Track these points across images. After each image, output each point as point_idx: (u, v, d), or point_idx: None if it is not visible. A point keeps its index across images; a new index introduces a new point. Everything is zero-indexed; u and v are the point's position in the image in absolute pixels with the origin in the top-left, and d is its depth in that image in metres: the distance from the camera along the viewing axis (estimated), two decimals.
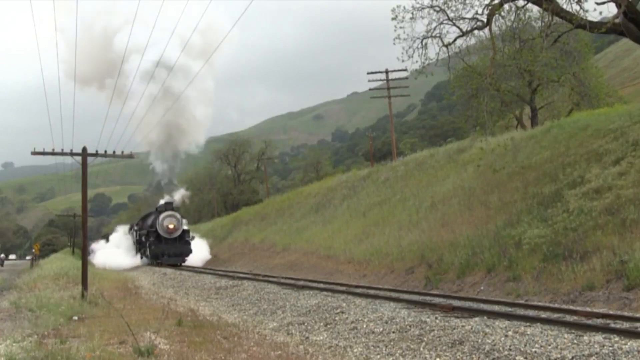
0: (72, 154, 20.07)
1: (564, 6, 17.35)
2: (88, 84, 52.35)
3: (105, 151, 21.06)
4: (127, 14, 49.38)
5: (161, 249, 40.49)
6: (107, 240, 65.94)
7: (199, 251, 44.67)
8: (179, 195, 51.60)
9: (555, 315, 10.88)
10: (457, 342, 9.01)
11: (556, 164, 19.89)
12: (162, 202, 47.00)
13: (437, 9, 19.54)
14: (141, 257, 46.67)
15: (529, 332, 8.98)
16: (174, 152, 47.70)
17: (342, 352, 9.62)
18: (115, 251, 53.88)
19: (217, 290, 20.47)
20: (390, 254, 21.77)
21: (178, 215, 42.25)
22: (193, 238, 43.26)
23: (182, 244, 41.54)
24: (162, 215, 41.48)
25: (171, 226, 41.22)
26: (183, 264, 40.55)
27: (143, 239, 44.99)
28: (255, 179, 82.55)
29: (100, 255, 54.07)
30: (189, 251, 41.66)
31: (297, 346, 10.16)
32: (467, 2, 19.09)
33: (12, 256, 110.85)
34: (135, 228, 50.37)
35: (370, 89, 52.65)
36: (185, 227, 42.86)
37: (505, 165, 21.77)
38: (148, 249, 42.08)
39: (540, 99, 34.41)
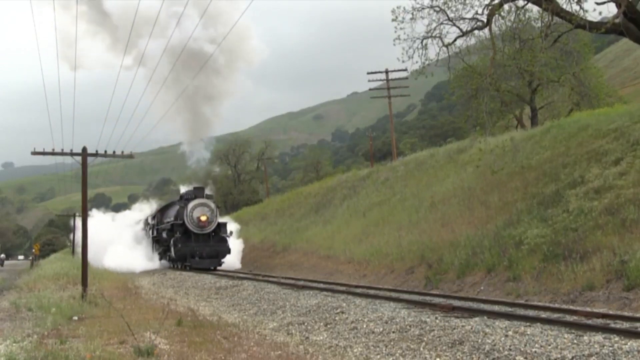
0: (72, 154, 20.07)
1: (564, 6, 17.37)
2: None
3: (105, 151, 21.06)
4: None
5: (191, 248, 31.23)
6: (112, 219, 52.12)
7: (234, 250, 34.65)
8: (215, 171, 44.03)
9: (555, 315, 10.88)
10: (457, 342, 9.00)
11: (556, 164, 19.89)
12: (183, 188, 38.20)
13: (437, 9, 19.56)
14: (160, 259, 37.42)
15: (529, 332, 8.98)
16: (205, 122, 36.28)
17: (342, 352, 9.62)
18: (123, 243, 42.09)
19: (217, 290, 20.47)
20: (390, 254, 21.77)
21: (212, 204, 32.78)
22: (231, 233, 33.74)
23: (217, 242, 32.36)
24: (191, 205, 32.04)
25: (204, 218, 31.76)
26: (219, 267, 31.83)
27: (164, 235, 35.00)
28: (255, 179, 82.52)
29: (100, 248, 40.08)
30: (226, 250, 32.13)
31: (297, 346, 10.16)
32: (467, 2, 19.12)
33: (20, 257, 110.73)
34: (151, 222, 40.04)
35: (370, 89, 52.74)
36: (220, 220, 33.80)
37: (504, 166, 21.78)
38: (172, 248, 32.49)
39: (540, 99, 34.44)
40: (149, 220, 40.88)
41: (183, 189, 38.48)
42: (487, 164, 22.63)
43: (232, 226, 35.99)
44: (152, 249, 39.34)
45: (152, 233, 39.55)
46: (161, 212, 38.31)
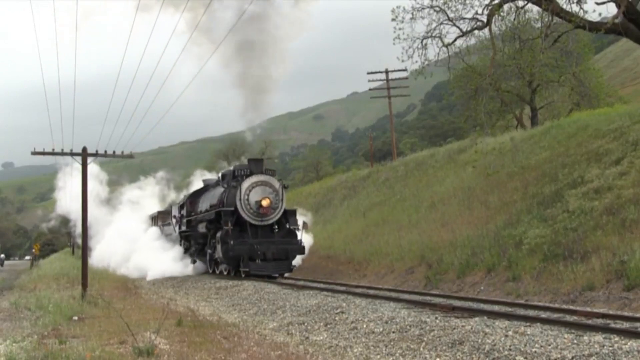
0: (72, 154, 20.12)
1: (564, 6, 17.40)
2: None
3: (105, 151, 21.12)
4: None
5: (248, 246, 21.82)
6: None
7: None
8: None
9: (555, 315, 10.87)
10: (457, 342, 9.00)
11: (556, 164, 19.90)
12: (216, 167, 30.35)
13: (437, 9, 19.59)
14: (194, 261, 28.57)
15: (529, 332, 8.98)
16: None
17: (342, 352, 9.62)
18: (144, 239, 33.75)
19: (217, 290, 20.47)
20: (390, 254, 21.77)
21: (276, 183, 23.07)
22: (304, 225, 23.81)
23: (284, 237, 22.98)
24: (246, 184, 22.57)
25: (265, 203, 22.31)
26: (288, 273, 22.74)
27: (201, 229, 26.10)
28: None
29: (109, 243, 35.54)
30: (297, 249, 22.68)
31: (297, 346, 10.16)
32: (467, 2, 19.15)
33: (27, 257, 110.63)
34: (179, 213, 30.59)
35: (370, 89, 52.66)
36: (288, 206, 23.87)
37: (499, 169, 21.83)
38: (219, 247, 23.28)
39: (540, 99, 34.50)
40: (174, 212, 31.70)
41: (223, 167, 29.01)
42: (485, 165, 22.67)
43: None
44: (180, 250, 30.62)
45: (181, 227, 30.08)
46: (193, 198, 29.04)
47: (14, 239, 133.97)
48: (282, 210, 22.97)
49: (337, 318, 12.01)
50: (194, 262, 28.64)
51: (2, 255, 75.99)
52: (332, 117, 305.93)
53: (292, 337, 11.12)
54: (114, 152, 21.21)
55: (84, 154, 19.89)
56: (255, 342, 10.08)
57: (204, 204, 26.90)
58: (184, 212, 29.65)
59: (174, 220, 31.87)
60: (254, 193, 22.61)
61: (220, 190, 25.15)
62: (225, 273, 24.35)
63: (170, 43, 18.45)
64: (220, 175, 27.34)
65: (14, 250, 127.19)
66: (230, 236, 22.15)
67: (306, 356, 9.27)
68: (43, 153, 20.55)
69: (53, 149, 20.51)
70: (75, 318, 13.50)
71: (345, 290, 16.63)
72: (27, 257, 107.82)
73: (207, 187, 28.52)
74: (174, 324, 11.81)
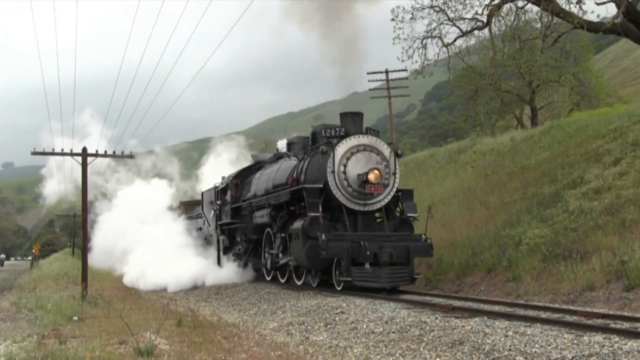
0: (72, 154, 20.14)
1: (564, 6, 17.43)
2: None
3: (105, 151, 21.15)
4: None
5: (348, 244, 14.52)
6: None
7: None
8: None
9: (555, 316, 10.87)
10: (457, 342, 9.00)
11: (555, 164, 19.90)
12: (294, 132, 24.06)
13: (437, 9, 19.62)
14: (244, 265, 21.13)
15: (529, 332, 8.98)
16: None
17: (342, 352, 9.62)
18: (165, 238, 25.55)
19: (217, 290, 20.47)
20: None
21: (385, 149, 16.25)
22: (430, 211, 16.96)
23: (396, 230, 16.04)
24: (342, 148, 15.55)
25: (373, 176, 15.21)
26: (405, 284, 15.55)
27: (260, 218, 18.52)
28: None
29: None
30: (422, 248, 15.50)
31: (297, 346, 10.16)
32: (467, 2, 19.19)
33: (29, 257, 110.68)
34: (217, 201, 23.16)
35: (370, 89, 52.55)
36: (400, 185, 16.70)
37: (498, 169, 21.80)
38: (297, 244, 15.50)
39: (540, 99, 34.48)
40: (208, 198, 25.04)
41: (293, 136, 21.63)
42: (485, 165, 22.67)
43: None
44: (218, 248, 23.45)
45: (220, 218, 22.86)
46: (240, 179, 21.62)
47: (14, 239, 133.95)
48: (394, 190, 16.14)
49: (337, 318, 12.01)
50: (244, 265, 21.14)
51: (3, 256, 75.98)
52: (332, 117, 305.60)
53: (292, 337, 11.12)
54: (114, 152, 21.25)
55: (84, 154, 19.90)
56: (255, 342, 10.08)
57: (261, 185, 19.46)
58: (227, 197, 22.10)
59: (207, 211, 25.01)
60: (355, 162, 15.48)
61: (290, 163, 18.10)
62: (299, 283, 16.93)
63: (173, 36, 18.45)
64: (283, 143, 20.61)
65: (14, 250, 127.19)
66: (315, 226, 14.89)
67: (306, 356, 9.27)
68: (43, 153, 20.59)
69: (53, 149, 20.55)
70: (75, 318, 13.51)
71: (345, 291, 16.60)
72: (29, 257, 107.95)
73: (259, 163, 21.36)
74: (174, 324, 11.82)
